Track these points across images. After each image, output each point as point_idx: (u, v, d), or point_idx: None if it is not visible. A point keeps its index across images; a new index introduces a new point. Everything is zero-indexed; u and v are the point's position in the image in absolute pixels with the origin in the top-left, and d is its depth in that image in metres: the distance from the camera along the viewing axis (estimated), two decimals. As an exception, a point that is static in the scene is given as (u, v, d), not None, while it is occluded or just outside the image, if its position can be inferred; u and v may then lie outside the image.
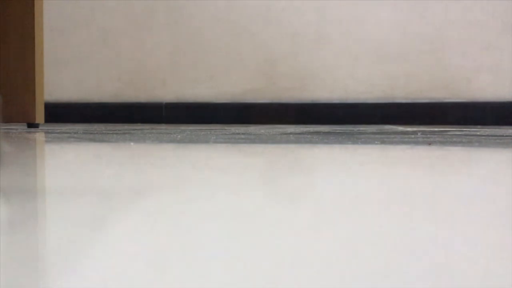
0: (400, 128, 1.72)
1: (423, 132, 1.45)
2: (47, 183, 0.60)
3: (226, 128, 1.73)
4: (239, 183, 0.57)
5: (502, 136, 1.34)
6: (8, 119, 1.60)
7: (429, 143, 1.06)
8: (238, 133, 1.42)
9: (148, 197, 0.48)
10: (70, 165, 0.75)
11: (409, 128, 1.68)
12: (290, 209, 0.43)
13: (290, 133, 1.42)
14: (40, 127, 1.63)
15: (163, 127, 1.78)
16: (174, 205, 0.45)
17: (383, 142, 1.13)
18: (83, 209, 0.42)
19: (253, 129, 1.66)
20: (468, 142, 1.14)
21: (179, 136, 1.29)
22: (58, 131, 1.54)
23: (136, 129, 1.60)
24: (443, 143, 1.09)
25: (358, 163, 0.75)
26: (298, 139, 1.22)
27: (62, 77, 2.23)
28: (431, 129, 1.63)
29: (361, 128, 1.64)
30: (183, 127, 1.82)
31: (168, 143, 1.11)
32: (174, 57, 2.21)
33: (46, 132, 1.46)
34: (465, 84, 2.10)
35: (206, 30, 2.19)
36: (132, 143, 1.08)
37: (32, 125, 1.61)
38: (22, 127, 1.61)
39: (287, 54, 2.13)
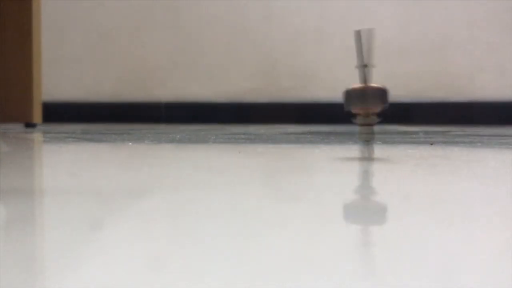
0: (402, 128, 1.71)
1: (425, 132, 1.45)
2: (45, 184, 0.60)
3: (225, 128, 1.73)
4: (239, 183, 0.57)
5: (505, 136, 1.34)
6: (6, 119, 1.59)
7: (431, 143, 1.05)
8: (238, 133, 1.41)
9: (147, 197, 0.47)
10: (68, 165, 0.74)
11: (410, 128, 1.67)
12: (291, 210, 0.43)
13: (291, 133, 1.42)
14: (38, 127, 1.62)
15: (162, 127, 1.78)
16: (173, 206, 0.44)
17: (384, 142, 1.13)
18: (81, 209, 0.42)
19: (253, 129, 1.65)
20: (470, 142, 1.13)
21: (178, 136, 1.29)
22: (56, 131, 1.53)
23: (135, 129, 1.59)
24: (445, 143, 1.09)
25: (359, 163, 0.74)
26: (299, 139, 1.21)
27: (60, 76, 2.22)
28: (433, 129, 1.63)
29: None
30: (183, 127, 1.81)
31: (167, 143, 1.11)
32: (173, 57, 2.20)
33: (44, 132, 1.45)
34: (467, 84, 2.09)
35: (205, 29, 2.18)
36: (130, 143, 1.08)
37: (30, 125, 1.61)
38: (19, 127, 1.61)
39: (287, 53, 2.12)
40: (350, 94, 0.72)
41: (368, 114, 0.72)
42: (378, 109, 0.72)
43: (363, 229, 0.37)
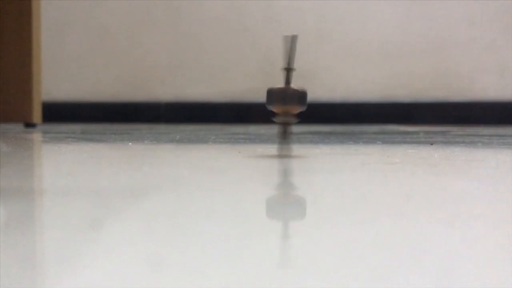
0: (402, 128, 1.71)
1: (425, 132, 1.44)
2: (45, 184, 0.59)
3: (225, 128, 1.72)
4: (239, 183, 0.57)
5: (505, 136, 1.33)
6: (5, 119, 1.59)
7: (431, 143, 1.05)
8: (238, 133, 1.41)
9: (147, 197, 0.47)
10: (68, 165, 0.74)
11: (411, 128, 1.67)
12: (291, 210, 0.43)
13: (291, 133, 1.41)
14: (37, 127, 1.62)
15: (162, 127, 1.78)
16: (173, 206, 0.44)
17: (385, 142, 1.12)
18: (81, 209, 0.42)
19: (253, 129, 1.65)
20: (471, 142, 1.13)
21: (178, 136, 1.28)
22: (56, 131, 1.53)
23: (134, 129, 1.59)
24: (446, 143, 1.09)
25: (360, 163, 0.74)
26: (299, 139, 1.21)
27: (59, 76, 2.22)
28: (433, 129, 1.63)
29: (362, 128, 1.63)
30: (182, 127, 1.81)
31: (167, 143, 1.11)
32: (173, 56, 2.20)
33: (44, 132, 1.45)
34: (467, 84, 2.09)
35: (205, 29, 2.18)
36: (130, 143, 1.07)
37: (29, 124, 1.60)
38: (19, 127, 1.60)
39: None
40: (272, 94, 0.76)
41: (287, 114, 0.76)
42: (296, 110, 0.77)
43: (364, 229, 0.37)
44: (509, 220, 0.40)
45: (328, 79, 2.13)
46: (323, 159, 0.82)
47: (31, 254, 0.30)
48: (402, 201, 0.47)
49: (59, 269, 0.27)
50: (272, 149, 0.97)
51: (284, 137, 0.78)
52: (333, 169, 0.70)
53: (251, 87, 2.14)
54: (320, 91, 2.12)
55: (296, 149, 0.99)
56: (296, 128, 1.67)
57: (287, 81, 0.77)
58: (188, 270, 0.27)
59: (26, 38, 1.58)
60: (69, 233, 0.35)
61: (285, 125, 0.77)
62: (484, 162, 0.79)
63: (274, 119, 0.78)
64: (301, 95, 0.77)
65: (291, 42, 0.77)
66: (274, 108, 0.77)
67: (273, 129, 1.60)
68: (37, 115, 1.61)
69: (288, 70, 0.77)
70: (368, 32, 2.12)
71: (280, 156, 0.81)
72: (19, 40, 1.58)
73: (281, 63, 2.24)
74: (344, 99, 2.12)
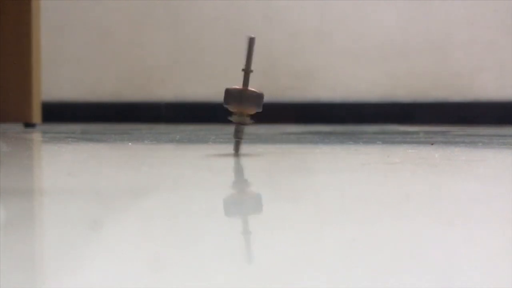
0: (402, 128, 1.71)
1: (425, 132, 1.44)
2: (45, 184, 0.60)
3: (225, 128, 1.72)
4: (239, 183, 0.57)
5: (505, 136, 1.33)
6: (5, 119, 1.59)
7: (432, 143, 1.05)
8: (238, 133, 1.41)
9: (147, 197, 0.47)
10: (68, 165, 0.74)
11: (411, 128, 1.67)
12: (291, 210, 0.43)
13: (291, 133, 1.42)
14: (37, 127, 1.62)
15: (162, 127, 1.78)
16: (173, 206, 0.44)
17: (385, 142, 1.13)
18: (81, 209, 0.42)
19: (253, 129, 1.65)
20: (471, 142, 1.13)
21: (178, 136, 1.29)
22: (56, 131, 1.53)
23: (134, 129, 1.59)
24: (446, 143, 1.09)
25: (360, 163, 0.74)
26: (299, 139, 1.21)
27: (60, 76, 2.22)
28: (434, 129, 1.63)
29: (362, 128, 1.63)
30: (182, 127, 1.81)
31: (167, 143, 1.11)
32: (173, 56, 2.20)
33: (44, 132, 1.45)
34: (467, 84, 2.09)
35: (205, 28, 2.18)
36: (130, 143, 1.07)
37: (29, 124, 1.60)
38: (19, 127, 1.60)
39: (288, 53, 2.12)
40: (229, 94, 0.78)
41: (243, 114, 0.78)
42: (252, 111, 0.78)
43: (363, 229, 0.37)
44: (509, 220, 0.40)
45: (328, 79, 2.13)
46: (323, 159, 0.82)
47: (31, 254, 0.30)
48: (402, 201, 0.47)
49: (59, 269, 0.27)
50: (273, 149, 0.97)
51: (238, 136, 0.79)
52: (333, 169, 0.70)
53: (251, 87, 2.14)
54: (320, 91, 2.12)
55: (297, 149, 0.99)
56: (296, 128, 1.67)
57: (245, 82, 0.78)
58: (188, 270, 0.27)
59: (26, 38, 1.58)
60: (69, 233, 0.35)
61: (240, 124, 0.78)
62: (485, 162, 0.79)
63: (230, 118, 0.79)
64: (257, 97, 0.78)
65: (249, 44, 0.80)
66: (230, 108, 0.78)
67: (273, 129, 1.60)
68: (37, 115, 1.61)
69: (246, 71, 0.79)
70: (368, 32, 2.12)
71: (281, 156, 0.81)
72: (19, 40, 1.58)
73: (282, 63, 2.26)
74: (344, 99, 2.12)
